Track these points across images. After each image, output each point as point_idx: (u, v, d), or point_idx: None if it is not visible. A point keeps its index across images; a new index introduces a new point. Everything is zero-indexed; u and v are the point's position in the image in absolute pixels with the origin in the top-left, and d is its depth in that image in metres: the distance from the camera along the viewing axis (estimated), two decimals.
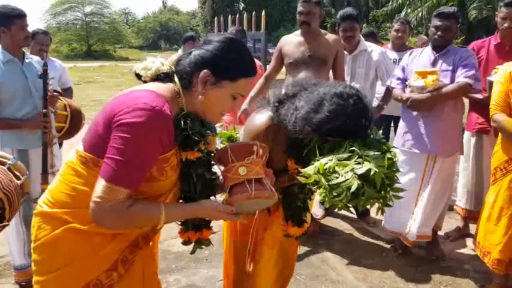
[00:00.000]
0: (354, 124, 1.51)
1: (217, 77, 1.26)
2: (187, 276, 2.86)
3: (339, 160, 1.45)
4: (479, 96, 2.96)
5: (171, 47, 40.81)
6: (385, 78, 3.36)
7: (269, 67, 3.43)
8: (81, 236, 1.25)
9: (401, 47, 4.09)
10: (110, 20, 35.45)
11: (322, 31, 3.25)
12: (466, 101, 3.07)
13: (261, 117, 1.75)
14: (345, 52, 3.43)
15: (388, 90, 3.21)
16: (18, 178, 1.70)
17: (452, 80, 2.75)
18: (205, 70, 1.25)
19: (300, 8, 3.12)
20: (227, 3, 26.42)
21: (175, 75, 1.30)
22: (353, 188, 1.37)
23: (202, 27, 27.79)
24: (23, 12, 2.61)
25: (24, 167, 1.79)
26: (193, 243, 1.46)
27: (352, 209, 3.75)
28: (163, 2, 33.31)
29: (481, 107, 2.95)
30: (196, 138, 1.28)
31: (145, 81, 1.33)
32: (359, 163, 1.43)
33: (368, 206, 1.48)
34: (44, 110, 2.57)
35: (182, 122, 1.26)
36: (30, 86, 2.59)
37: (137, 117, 1.14)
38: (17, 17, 2.55)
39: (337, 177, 1.41)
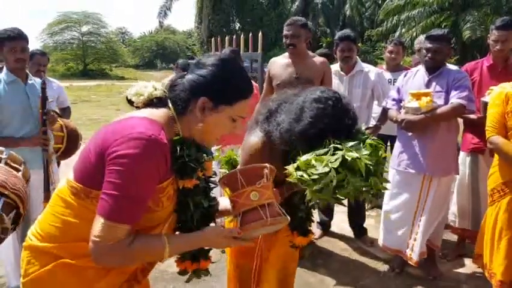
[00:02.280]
0: (337, 125, 1.56)
1: (214, 103, 1.22)
2: None
3: (317, 155, 1.50)
4: (473, 116, 3.00)
5: (167, 66, 41.11)
6: (382, 99, 3.40)
7: (263, 91, 3.47)
8: (72, 271, 1.18)
9: (395, 68, 4.16)
10: (106, 40, 35.71)
11: (310, 53, 3.30)
12: (460, 121, 3.11)
13: (254, 138, 1.79)
14: (342, 73, 3.48)
15: (384, 111, 3.25)
16: (17, 170, 1.68)
17: (446, 101, 2.79)
18: (202, 98, 1.20)
19: (285, 31, 3.17)
20: (223, 23, 26.74)
21: (168, 100, 1.26)
22: (330, 178, 1.42)
23: (199, 47, 28.06)
24: (15, 34, 2.58)
25: (19, 156, 1.78)
26: (190, 273, 1.40)
27: (349, 229, 3.77)
28: (159, 21, 33.58)
29: (476, 127, 2.99)
30: (193, 165, 1.23)
31: (137, 107, 1.28)
32: (335, 154, 1.47)
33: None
34: (43, 128, 2.59)
35: (178, 149, 1.21)
36: (32, 106, 2.63)
37: (133, 148, 1.08)
38: (6, 39, 2.56)
39: (316, 171, 1.46)
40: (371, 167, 1.48)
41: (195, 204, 1.29)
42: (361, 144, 1.54)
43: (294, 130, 1.61)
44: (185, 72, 1.28)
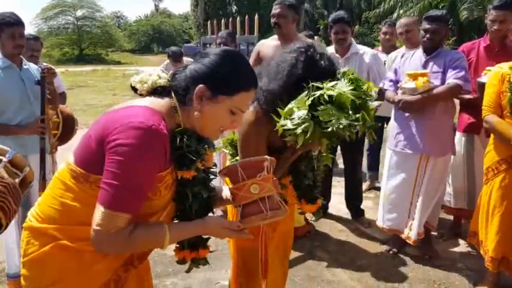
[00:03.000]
0: (314, 68, 1.62)
1: (213, 92, 1.20)
2: (184, 279, 2.87)
3: (297, 101, 1.56)
4: (469, 96, 3.00)
5: (164, 50, 40.68)
6: (378, 80, 3.39)
7: None
8: (70, 253, 1.20)
9: (390, 49, 4.14)
10: (101, 24, 35.33)
11: (300, 35, 3.28)
12: (457, 101, 3.11)
13: (247, 112, 1.79)
14: (337, 55, 3.46)
15: (381, 92, 3.25)
16: (16, 175, 1.60)
17: (443, 82, 2.80)
18: (200, 85, 1.19)
19: (273, 10, 3.18)
20: (219, 6, 26.45)
21: (172, 92, 1.25)
22: (304, 119, 1.50)
23: (195, 30, 27.81)
24: (14, 20, 2.54)
25: (24, 158, 1.71)
26: (189, 262, 1.40)
27: (347, 210, 3.80)
28: (155, 5, 33.24)
29: (472, 107, 3.00)
30: (193, 157, 1.22)
31: (141, 95, 1.28)
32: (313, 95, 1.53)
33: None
34: (42, 116, 2.58)
35: (178, 140, 1.21)
36: (28, 92, 2.60)
37: (132, 137, 1.08)
38: (5, 24, 2.51)
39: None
40: (357, 101, 1.53)
41: (194, 195, 1.28)
42: (344, 81, 1.58)
43: (275, 87, 1.64)
44: (190, 63, 1.28)
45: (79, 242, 1.18)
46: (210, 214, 1.36)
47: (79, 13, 34.51)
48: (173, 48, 5.28)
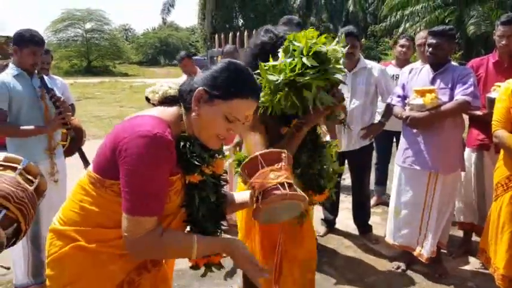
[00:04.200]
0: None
1: (210, 95, 1.24)
2: None
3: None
4: (478, 112, 2.98)
5: (171, 62, 41.09)
6: (385, 95, 3.39)
7: None
8: (88, 254, 1.26)
9: (405, 63, 4.13)
10: (110, 36, 35.71)
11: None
12: (466, 117, 3.09)
13: None
14: (345, 69, 3.46)
15: (389, 107, 3.24)
16: (31, 182, 1.67)
17: (451, 98, 2.78)
18: (199, 88, 1.25)
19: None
20: (226, 19, 26.70)
21: (180, 99, 1.32)
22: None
23: (202, 43, 28.05)
24: (39, 39, 2.70)
25: (37, 167, 1.76)
26: (204, 267, 1.42)
27: (354, 226, 3.77)
28: (163, 18, 33.65)
29: (481, 123, 2.98)
30: (197, 161, 1.27)
31: (153, 104, 1.35)
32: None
33: None
34: (58, 110, 2.69)
35: (181, 145, 1.26)
36: (39, 98, 2.70)
37: (138, 146, 1.15)
38: (31, 42, 2.65)
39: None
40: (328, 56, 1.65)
41: (201, 199, 1.32)
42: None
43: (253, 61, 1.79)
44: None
45: (96, 243, 1.25)
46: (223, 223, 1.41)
47: (88, 26, 34.96)
48: (183, 52, 5.28)
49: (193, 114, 1.26)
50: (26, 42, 2.63)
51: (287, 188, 1.31)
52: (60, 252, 1.29)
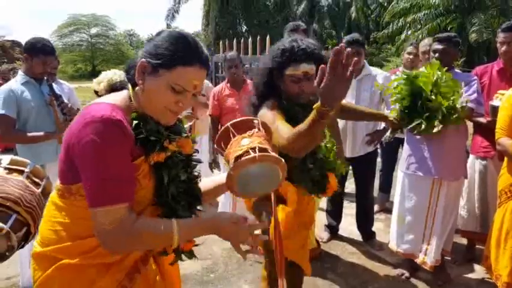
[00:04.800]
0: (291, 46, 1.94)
1: (153, 66, 1.18)
2: None
3: None
4: (482, 119, 2.99)
5: None
6: (390, 102, 3.40)
7: None
8: (73, 272, 1.19)
9: (412, 70, 4.14)
10: (114, 42, 35.98)
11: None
12: (470, 124, 3.10)
13: (263, 109, 1.94)
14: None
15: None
16: (37, 184, 1.68)
17: None
18: (141, 60, 1.18)
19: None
20: (230, 25, 26.76)
21: (126, 80, 1.26)
22: None
23: (206, 49, 28.17)
24: (50, 49, 2.74)
25: (42, 170, 1.80)
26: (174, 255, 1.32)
27: (358, 233, 3.78)
28: (167, 24, 33.77)
29: (485, 130, 2.98)
30: (154, 137, 1.21)
31: (101, 95, 1.28)
32: None
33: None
34: (65, 116, 2.72)
35: (135, 124, 1.20)
36: (47, 104, 2.75)
37: (87, 134, 1.09)
38: (42, 51, 2.70)
39: None
40: None
41: (170, 178, 1.25)
42: None
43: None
44: None
45: (79, 256, 1.19)
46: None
47: (93, 31, 35.24)
48: None
49: (138, 88, 1.20)
50: (37, 52, 2.68)
51: (257, 150, 1.25)
52: (45, 275, 1.21)
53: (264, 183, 1.34)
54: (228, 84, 3.84)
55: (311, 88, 1.91)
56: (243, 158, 1.24)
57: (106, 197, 1.11)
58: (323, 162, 2.05)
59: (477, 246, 3.37)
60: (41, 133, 2.65)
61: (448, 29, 16.58)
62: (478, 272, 3.18)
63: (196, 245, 1.36)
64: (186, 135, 1.33)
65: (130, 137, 1.15)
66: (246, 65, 6.08)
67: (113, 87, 1.26)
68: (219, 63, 6.07)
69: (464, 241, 3.46)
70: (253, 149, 1.26)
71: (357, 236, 3.80)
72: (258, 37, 4.83)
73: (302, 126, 1.53)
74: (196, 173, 1.38)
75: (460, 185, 3.01)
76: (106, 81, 1.31)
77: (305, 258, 2.20)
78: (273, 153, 1.28)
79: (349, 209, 4.05)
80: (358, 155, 3.54)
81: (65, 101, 2.80)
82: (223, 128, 1.38)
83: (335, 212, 3.78)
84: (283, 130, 1.68)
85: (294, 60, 1.90)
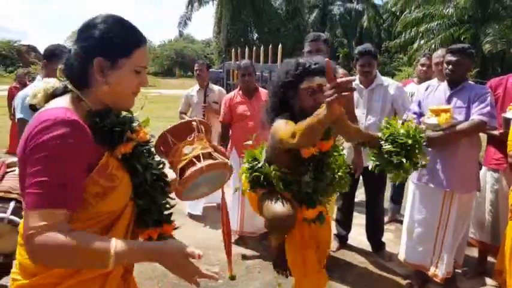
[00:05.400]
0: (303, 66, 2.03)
1: (111, 60, 1.16)
2: None
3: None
4: (495, 132, 2.97)
5: (185, 74, 41.53)
6: (402, 112, 3.39)
7: None
8: None
9: (427, 80, 4.14)
10: None
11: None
12: (484, 136, 3.08)
13: (278, 121, 2.01)
14: (361, 86, 3.49)
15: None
16: None
17: (467, 117, 2.76)
18: (97, 58, 1.15)
19: (309, 47, 3.19)
20: (241, 33, 26.97)
21: (67, 83, 1.20)
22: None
23: (217, 55, 28.34)
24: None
25: None
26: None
27: (367, 243, 3.75)
28: (179, 31, 34.15)
29: (498, 142, 2.97)
30: (119, 128, 1.20)
31: (40, 108, 1.21)
32: None
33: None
34: None
35: (94, 122, 1.16)
36: None
37: (36, 138, 1.04)
38: (60, 58, 2.71)
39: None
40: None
41: (144, 166, 1.26)
42: None
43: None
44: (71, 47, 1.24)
45: (32, 277, 1.13)
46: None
47: None
48: (200, 61, 5.03)
49: (105, 86, 1.17)
50: (56, 58, 2.72)
51: (202, 159, 1.24)
52: None
53: (212, 184, 1.37)
54: (240, 92, 3.87)
55: None
56: (188, 172, 1.24)
57: (49, 199, 1.03)
58: (324, 166, 2.13)
59: (489, 259, 3.33)
60: None
61: (462, 39, 16.47)
62: (489, 285, 3.14)
63: (175, 229, 1.37)
64: (138, 123, 1.32)
65: (87, 137, 1.11)
66: (258, 73, 6.13)
67: (54, 94, 1.20)
68: (230, 71, 6.10)
69: (475, 253, 3.42)
70: (197, 157, 1.26)
71: (366, 246, 3.78)
72: (270, 46, 4.85)
73: (305, 127, 1.68)
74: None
75: (472, 197, 2.99)
76: (42, 92, 1.21)
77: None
78: (218, 158, 1.30)
79: (359, 219, 4.03)
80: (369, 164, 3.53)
81: None
82: (159, 136, 1.36)
83: (345, 222, 3.77)
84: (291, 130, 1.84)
85: (308, 74, 1.97)
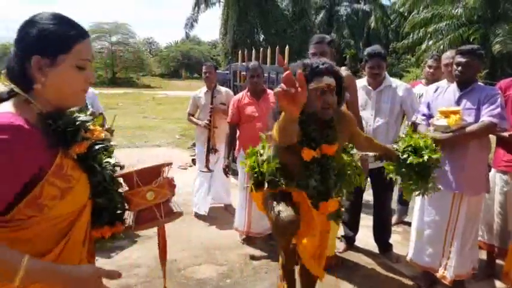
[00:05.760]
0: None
1: (50, 57, 1.12)
2: None
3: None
4: (505, 134, 2.95)
5: (192, 75, 41.66)
6: (411, 114, 3.38)
7: None
8: None
9: (435, 82, 4.13)
10: (134, 49, 36.50)
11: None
12: (493, 138, 3.06)
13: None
14: (370, 87, 3.49)
15: (414, 126, 3.23)
16: None
17: (477, 118, 2.74)
18: (34, 57, 1.11)
19: (313, 50, 3.21)
20: (247, 34, 26.97)
21: (13, 86, 1.16)
22: None
23: (223, 57, 28.38)
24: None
25: None
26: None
27: (374, 244, 3.76)
28: (186, 32, 34.26)
29: (508, 144, 2.95)
30: (72, 128, 1.18)
31: None
32: None
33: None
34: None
35: (44, 123, 1.13)
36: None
37: None
38: None
39: None
40: None
41: (100, 165, 1.25)
42: None
43: None
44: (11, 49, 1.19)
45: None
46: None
47: (114, 39, 35.79)
48: (208, 62, 5.03)
49: (39, 85, 1.12)
50: None
51: (162, 209, 1.29)
52: None
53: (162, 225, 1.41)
54: (248, 93, 3.89)
55: (335, 102, 1.99)
56: (147, 220, 1.29)
57: None
58: (329, 171, 2.10)
59: (497, 261, 3.31)
60: None
61: (471, 39, 16.36)
62: (497, 287, 3.12)
63: (126, 226, 1.38)
64: (92, 122, 1.30)
65: (33, 141, 1.07)
66: (265, 75, 6.12)
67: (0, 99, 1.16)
68: (237, 72, 6.11)
69: (483, 256, 3.40)
70: (158, 205, 1.29)
71: (373, 247, 3.77)
72: (277, 47, 4.85)
73: (279, 124, 1.71)
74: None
75: (481, 199, 2.98)
76: None
77: (316, 267, 2.24)
78: (175, 207, 1.35)
79: (366, 220, 4.02)
80: (377, 166, 3.52)
81: (90, 108, 2.87)
82: (127, 172, 1.35)
83: (352, 223, 3.76)
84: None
85: (316, 74, 1.95)
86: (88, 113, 2.84)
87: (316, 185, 2.07)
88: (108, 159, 1.30)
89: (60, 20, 1.16)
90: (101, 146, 1.27)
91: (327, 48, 3.20)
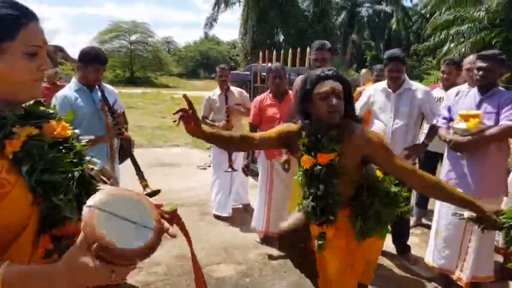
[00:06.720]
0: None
1: None
2: None
3: None
4: None
5: (210, 75, 41.91)
6: (430, 117, 3.40)
7: None
8: None
9: (450, 87, 4.13)
10: (153, 49, 36.86)
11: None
12: None
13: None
14: (389, 90, 3.52)
15: (434, 129, 3.26)
16: (105, 183, 1.79)
17: (497, 123, 2.76)
18: None
19: (315, 55, 3.42)
20: (267, 35, 27.01)
21: None
22: None
23: (242, 57, 28.48)
24: (102, 59, 2.90)
25: (111, 171, 1.92)
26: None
27: (393, 246, 3.77)
28: (205, 32, 34.48)
29: None
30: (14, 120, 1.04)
31: None
32: None
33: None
34: (114, 121, 2.88)
35: None
36: (98, 110, 2.92)
37: None
38: (95, 60, 2.87)
39: None
40: None
41: (39, 166, 1.05)
42: None
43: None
44: None
45: None
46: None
47: (133, 38, 36.22)
48: (222, 65, 4.84)
49: None
50: (91, 61, 2.86)
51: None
52: None
53: None
54: (271, 95, 3.95)
55: (341, 106, 1.98)
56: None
57: None
58: (328, 183, 2.02)
59: None
60: (92, 136, 2.82)
61: (493, 43, 16.05)
62: None
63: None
64: (55, 118, 1.17)
65: None
66: (292, 76, 6.16)
67: None
68: (257, 73, 6.17)
69: (498, 258, 3.40)
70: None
71: (391, 249, 3.79)
72: (298, 49, 4.91)
73: None
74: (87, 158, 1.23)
75: (499, 202, 2.98)
76: None
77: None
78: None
79: None
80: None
81: (114, 107, 2.97)
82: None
83: None
84: None
85: (320, 78, 1.98)
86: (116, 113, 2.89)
87: (314, 204, 2.03)
88: (58, 160, 1.10)
89: (2, 2, 1.03)
90: (48, 143, 1.10)
91: (327, 55, 3.32)
